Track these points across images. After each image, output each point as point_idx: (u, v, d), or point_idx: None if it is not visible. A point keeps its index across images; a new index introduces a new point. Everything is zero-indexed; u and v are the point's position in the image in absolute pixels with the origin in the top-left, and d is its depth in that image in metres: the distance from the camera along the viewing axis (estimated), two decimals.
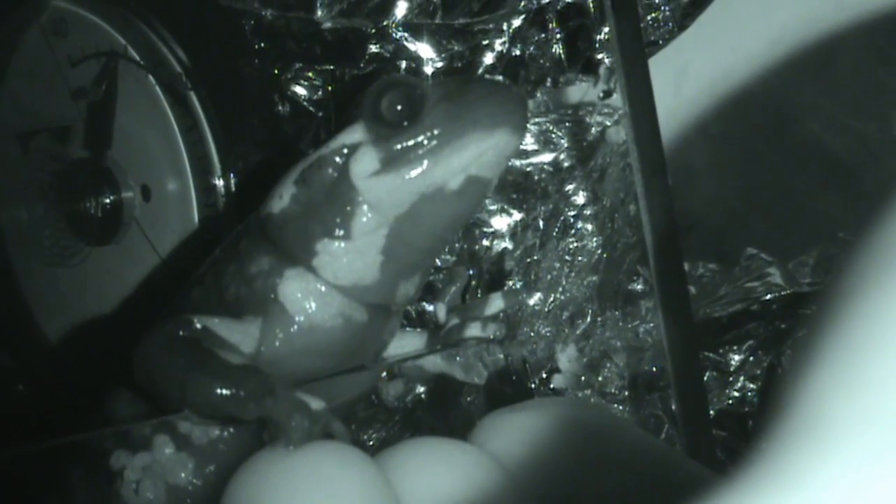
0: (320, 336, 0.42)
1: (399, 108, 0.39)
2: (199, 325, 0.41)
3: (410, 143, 0.39)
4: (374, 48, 0.53)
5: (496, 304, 0.50)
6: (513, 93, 0.42)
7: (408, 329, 0.51)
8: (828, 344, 0.16)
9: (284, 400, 0.36)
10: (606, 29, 0.51)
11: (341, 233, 0.41)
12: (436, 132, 0.39)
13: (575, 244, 0.53)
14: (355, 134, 0.40)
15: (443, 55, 0.53)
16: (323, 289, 0.42)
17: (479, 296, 0.53)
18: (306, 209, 0.41)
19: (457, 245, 0.53)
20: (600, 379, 0.52)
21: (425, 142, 0.39)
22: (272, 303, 0.42)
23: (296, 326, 0.42)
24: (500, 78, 0.53)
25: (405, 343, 0.49)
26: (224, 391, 0.37)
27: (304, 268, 0.42)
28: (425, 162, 0.39)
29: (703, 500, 0.15)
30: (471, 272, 0.53)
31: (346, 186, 0.40)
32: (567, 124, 0.54)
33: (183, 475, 0.40)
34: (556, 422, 0.31)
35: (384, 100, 0.39)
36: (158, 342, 0.40)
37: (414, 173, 0.39)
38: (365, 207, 0.40)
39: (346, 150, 0.40)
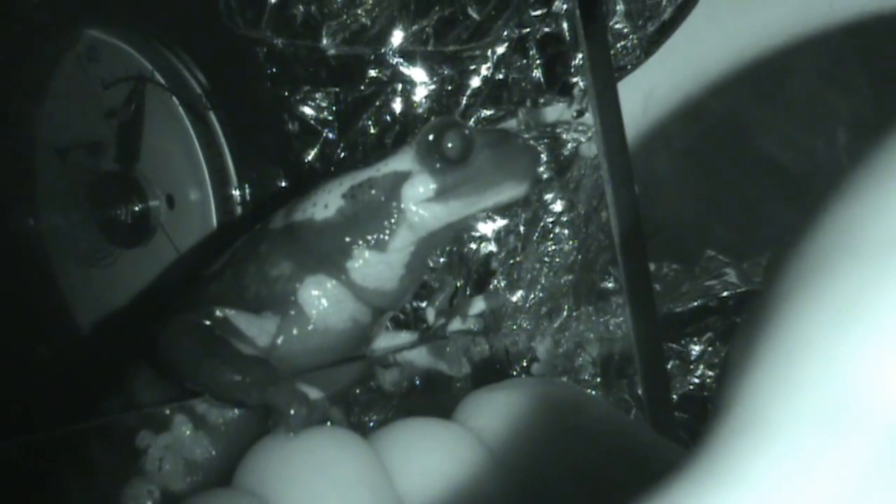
0: (332, 336, 0.43)
1: (453, 146, 0.40)
2: (220, 315, 0.41)
3: (463, 179, 0.40)
4: (373, 73, 0.53)
5: (478, 305, 0.51)
6: (537, 153, 0.45)
7: (403, 332, 0.51)
8: (761, 347, 0.16)
9: (285, 390, 0.36)
10: (580, 55, 0.50)
11: (379, 245, 0.41)
12: (482, 174, 0.41)
13: (553, 247, 0.52)
14: (405, 163, 0.41)
15: (434, 79, 0.53)
16: (339, 295, 0.42)
17: (467, 292, 0.52)
18: (350, 221, 0.41)
19: (448, 248, 0.53)
20: (575, 367, 0.52)
21: (475, 180, 0.41)
22: (291, 304, 0.42)
23: (312, 326, 0.42)
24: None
25: (398, 342, 0.49)
26: (230, 377, 0.37)
27: (324, 274, 0.42)
28: (472, 197, 0.41)
29: (651, 497, 0.15)
30: (458, 282, 0.53)
31: (394, 207, 0.41)
32: (546, 140, 0.54)
33: (199, 452, 0.40)
34: (532, 398, 0.30)
35: (444, 138, 0.40)
36: (181, 327, 0.40)
37: (459, 204, 0.41)
38: (404, 227, 0.41)
39: (396, 176, 0.41)
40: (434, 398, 0.47)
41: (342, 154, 0.54)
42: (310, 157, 0.54)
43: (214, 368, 0.38)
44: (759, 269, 0.54)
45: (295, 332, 0.42)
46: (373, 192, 0.41)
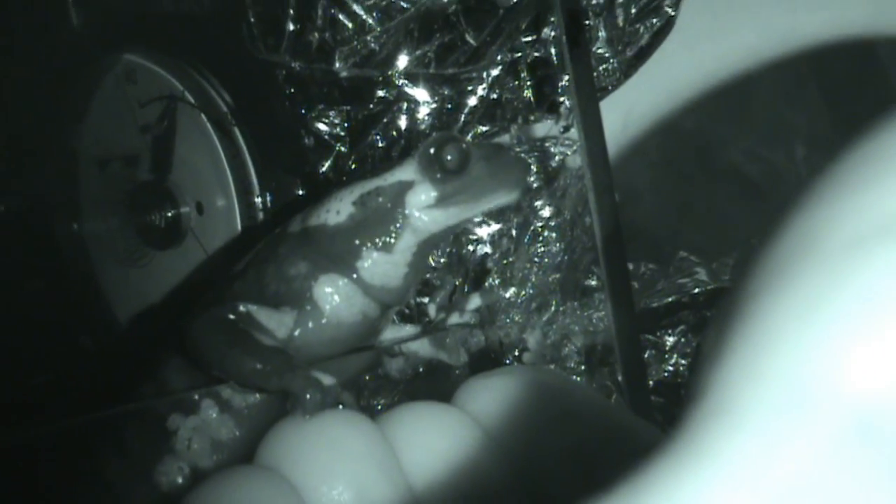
0: (344, 328, 0.43)
1: (452, 158, 0.40)
2: (243, 310, 0.41)
3: (460, 187, 0.41)
4: (380, 93, 0.53)
5: (475, 301, 0.51)
6: (527, 164, 0.47)
7: (407, 325, 0.51)
8: (731, 340, 0.16)
9: (301, 377, 0.36)
10: (566, 77, 0.50)
11: (385, 247, 0.41)
12: (479, 183, 0.41)
13: (542, 249, 0.52)
14: (408, 173, 0.41)
15: (436, 98, 0.53)
16: (350, 291, 0.42)
17: (465, 289, 0.52)
18: (359, 225, 0.41)
19: (447, 250, 0.52)
20: (562, 356, 0.52)
21: (471, 189, 0.41)
22: (307, 300, 0.42)
23: (325, 320, 0.42)
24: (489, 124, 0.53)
25: (403, 334, 0.49)
26: (252, 365, 0.37)
27: (337, 273, 0.42)
28: (469, 204, 0.41)
29: (632, 479, 0.15)
30: (457, 280, 0.53)
31: (399, 213, 0.41)
32: (535, 153, 0.53)
33: (224, 433, 0.40)
34: (524, 384, 0.30)
35: (443, 151, 0.40)
36: (208, 320, 0.40)
37: (457, 210, 0.41)
38: (408, 230, 0.41)
39: (401, 185, 0.41)
40: (436, 384, 0.47)
41: (353, 166, 0.53)
42: (324, 169, 0.53)
43: (238, 358, 0.38)
44: (727, 268, 0.54)
45: (310, 325, 0.42)
46: (380, 199, 0.41)
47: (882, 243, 0.15)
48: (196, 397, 0.40)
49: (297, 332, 0.42)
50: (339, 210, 0.42)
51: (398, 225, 0.41)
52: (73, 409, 0.44)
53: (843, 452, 0.14)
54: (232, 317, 0.40)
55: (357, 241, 0.41)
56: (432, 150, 0.41)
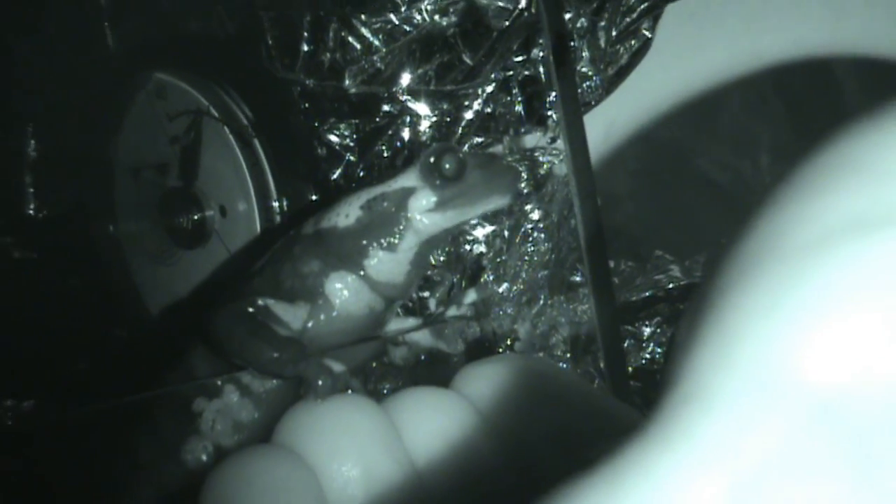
0: (352, 320, 0.42)
1: (450, 167, 0.40)
2: (262, 304, 0.40)
3: (457, 193, 0.40)
4: (386, 107, 0.53)
5: (471, 295, 0.50)
6: (518, 172, 0.46)
7: (410, 318, 0.50)
8: (702, 331, 0.16)
9: (314, 364, 0.35)
10: (553, 93, 0.50)
11: (390, 247, 0.41)
12: (474, 189, 0.40)
13: (531, 248, 0.52)
14: (411, 180, 0.41)
15: (435, 112, 0.52)
16: (358, 287, 0.42)
17: (462, 285, 0.52)
18: (366, 228, 0.41)
19: (446, 249, 0.52)
20: (549, 345, 0.52)
21: (467, 194, 0.40)
22: (320, 295, 0.42)
23: (336, 313, 0.42)
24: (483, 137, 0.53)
25: (406, 325, 0.49)
26: (269, 354, 0.37)
27: (346, 270, 0.41)
28: (465, 208, 0.40)
29: (613, 459, 0.15)
30: (455, 277, 0.52)
31: (402, 216, 0.40)
32: (525, 162, 0.53)
33: (245, 415, 0.40)
34: (515, 370, 0.30)
35: (442, 160, 0.40)
36: (230, 314, 0.40)
37: (455, 213, 0.40)
38: (410, 232, 0.41)
39: (404, 191, 0.41)
40: (435, 371, 0.47)
41: (361, 173, 0.53)
42: (335, 176, 0.53)
43: (257, 348, 0.38)
44: (699, 265, 0.53)
45: (322, 317, 0.42)
46: (385, 204, 0.41)
47: (837, 243, 0.15)
48: (219, 383, 0.40)
49: (310, 324, 0.41)
50: (348, 214, 0.41)
51: (401, 227, 0.41)
52: (105, 394, 0.44)
53: (805, 433, 0.14)
54: (251, 310, 0.40)
55: (364, 242, 0.41)
56: (432, 159, 0.40)
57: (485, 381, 0.30)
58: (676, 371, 0.16)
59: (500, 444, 0.28)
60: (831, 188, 0.15)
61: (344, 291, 0.42)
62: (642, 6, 0.50)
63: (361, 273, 0.41)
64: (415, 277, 0.43)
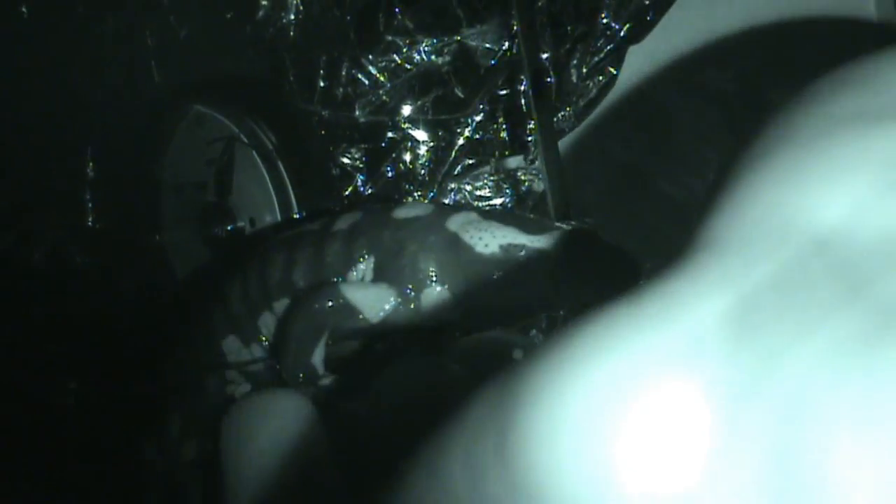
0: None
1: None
2: (341, 301, 0.37)
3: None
4: (390, 134, 0.55)
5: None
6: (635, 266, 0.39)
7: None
8: (720, 199, 0.17)
9: (310, 380, 0.37)
10: (532, 122, 0.52)
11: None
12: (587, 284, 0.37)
13: None
14: (547, 245, 0.37)
15: (432, 138, 0.55)
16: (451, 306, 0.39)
17: None
18: (493, 266, 0.38)
19: None
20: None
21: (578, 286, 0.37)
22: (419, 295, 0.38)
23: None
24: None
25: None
26: (293, 370, 0.39)
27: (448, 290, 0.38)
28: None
29: (638, 290, 0.16)
30: None
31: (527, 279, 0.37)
32: (510, 180, 0.56)
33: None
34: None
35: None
36: (301, 312, 0.38)
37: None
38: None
39: (539, 254, 0.37)
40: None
41: (369, 191, 0.56)
42: (347, 193, 0.56)
43: (290, 361, 0.38)
44: (655, 269, 0.56)
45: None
46: (521, 254, 0.37)
47: (841, 128, 0.16)
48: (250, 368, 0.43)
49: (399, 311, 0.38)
50: (487, 244, 0.37)
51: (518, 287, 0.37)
52: (154, 378, 0.49)
53: (803, 265, 0.15)
54: (330, 304, 0.37)
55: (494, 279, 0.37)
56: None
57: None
58: (696, 231, 0.17)
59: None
60: (835, 93, 0.17)
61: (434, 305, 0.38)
62: (608, 47, 0.52)
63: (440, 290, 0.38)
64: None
